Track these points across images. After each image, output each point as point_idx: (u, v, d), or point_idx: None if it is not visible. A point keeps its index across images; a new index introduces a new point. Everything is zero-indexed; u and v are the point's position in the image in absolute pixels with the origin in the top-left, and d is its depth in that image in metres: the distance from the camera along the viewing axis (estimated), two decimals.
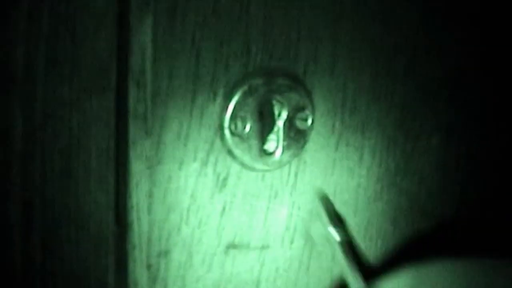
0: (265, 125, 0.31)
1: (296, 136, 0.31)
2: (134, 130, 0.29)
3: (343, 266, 0.31)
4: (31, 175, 0.28)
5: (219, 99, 0.30)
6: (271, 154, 0.31)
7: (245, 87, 0.30)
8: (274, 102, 0.31)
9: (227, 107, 0.30)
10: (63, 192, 0.29)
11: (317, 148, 0.32)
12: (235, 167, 0.31)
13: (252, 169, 0.31)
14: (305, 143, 0.31)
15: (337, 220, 0.31)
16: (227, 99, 0.30)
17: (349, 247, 0.31)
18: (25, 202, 0.28)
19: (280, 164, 0.31)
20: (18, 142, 0.28)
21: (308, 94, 0.31)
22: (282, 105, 0.31)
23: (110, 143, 0.29)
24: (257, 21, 0.30)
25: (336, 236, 0.31)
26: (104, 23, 0.28)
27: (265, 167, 0.31)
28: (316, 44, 0.31)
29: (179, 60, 0.29)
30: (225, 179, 0.31)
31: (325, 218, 0.31)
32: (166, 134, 0.29)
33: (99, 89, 0.29)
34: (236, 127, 0.30)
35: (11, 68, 0.27)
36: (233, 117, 0.30)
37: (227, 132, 0.30)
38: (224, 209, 0.31)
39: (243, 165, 0.31)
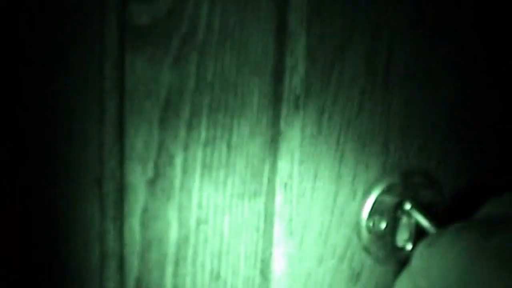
0: (398, 222, 0.31)
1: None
2: (279, 231, 0.29)
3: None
4: (182, 279, 0.28)
5: (359, 198, 0.31)
6: (402, 249, 0.32)
7: (383, 186, 0.31)
8: (408, 200, 0.31)
9: (365, 205, 0.31)
10: None
11: None
12: (368, 262, 0.31)
13: (385, 264, 0.32)
14: None
15: None
16: (366, 197, 0.31)
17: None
18: None
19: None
20: (172, 246, 0.28)
21: (440, 191, 0.32)
22: (415, 202, 0.31)
23: (258, 247, 0.29)
24: (397, 121, 0.31)
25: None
26: (258, 129, 0.28)
27: (397, 262, 0.32)
28: (447, 141, 0.32)
29: (324, 161, 0.29)
30: (359, 274, 0.31)
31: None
32: (309, 233, 0.30)
33: (251, 193, 0.29)
34: (373, 224, 0.31)
35: (170, 175, 0.27)
36: (371, 215, 0.31)
37: (364, 229, 0.31)
38: None
39: (377, 260, 0.31)
